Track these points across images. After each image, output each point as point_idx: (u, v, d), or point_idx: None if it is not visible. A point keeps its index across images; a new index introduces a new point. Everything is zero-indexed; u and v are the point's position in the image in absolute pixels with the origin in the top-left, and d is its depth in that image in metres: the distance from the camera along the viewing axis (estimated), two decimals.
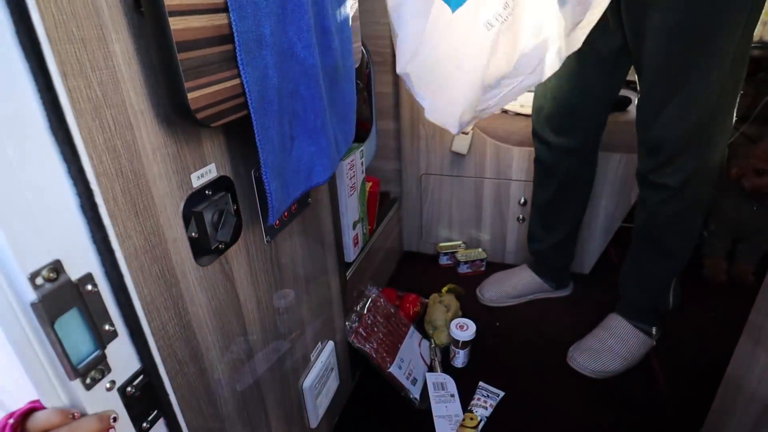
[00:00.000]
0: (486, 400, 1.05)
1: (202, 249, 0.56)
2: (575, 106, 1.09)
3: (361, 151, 1.18)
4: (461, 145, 1.40)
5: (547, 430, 1.01)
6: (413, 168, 1.52)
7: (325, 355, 0.94)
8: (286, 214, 0.74)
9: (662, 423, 1.01)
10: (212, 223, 0.57)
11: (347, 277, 1.13)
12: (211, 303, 0.59)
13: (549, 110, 1.13)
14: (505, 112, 1.43)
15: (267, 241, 0.70)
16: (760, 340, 0.82)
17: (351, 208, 1.17)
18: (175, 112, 0.46)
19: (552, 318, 1.32)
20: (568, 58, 0.92)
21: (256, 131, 0.52)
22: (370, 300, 1.14)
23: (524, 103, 1.38)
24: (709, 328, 1.26)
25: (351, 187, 1.15)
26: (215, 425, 0.63)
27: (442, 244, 1.58)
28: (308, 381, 0.88)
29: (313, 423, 0.92)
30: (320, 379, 0.92)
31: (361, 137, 1.54)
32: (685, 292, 1.35)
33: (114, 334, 0.38)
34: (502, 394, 1.08)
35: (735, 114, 0.95)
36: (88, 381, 0.36)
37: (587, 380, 1.12)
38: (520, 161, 1.40)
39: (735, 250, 1.45)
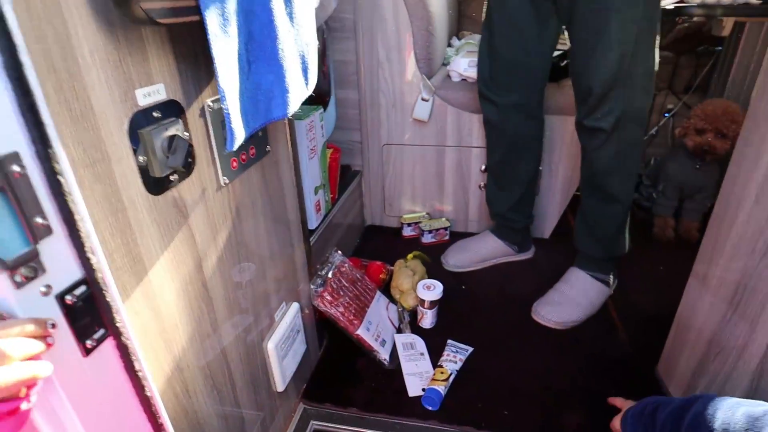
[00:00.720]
0: (455, 356, 1.04)
1: (151, 176, 0.52)
2: (516, 62, 1.13)
3: (321, 114, 1.15)
4: (422, 112, 1.39)
5: (516, 378, 1.01)
6: (375, 138, 1.50)
7: (289, 316, 0.91)
8: (243, 156, 0.71)
9: (622, 364, 1.04)
10: (162, 148, 0.53)
11: (311, 244, 1.10)
12: (164, 238, 0.55)
13: (492, 70, 1.17)
14: (464, 80, 1.44)
15: (224, 183, 0.66)
16: (705, 283, 0.86)
17: (312, 172, 1.14)
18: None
19: (516, 279, 1.34)
20: (506, 16, 1.01)
21: (209, 37, 0.48)
22: (335, 265, 1.11)
23: None
24: (660, 280, 1.32)
25: (311, 149, 1.12)
26: (175, 374, 0.58)
27: (405, 216, 1.57)
28: (273, 341, 0.84)
29: (280, 386, 0.89)
30: (286, 340, 0.88)
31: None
32: (637, 250, 1.40)
33: (48, 230, 0.34)
34: (471, 349, 1.08)
35: (657, 58, 1.00)
36: (17, 278, 0.32)
37: (551, 332, 1.14)
38: (480, 128, 1.40)
39: (681, 208, 1.51)
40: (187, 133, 0.57)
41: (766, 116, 0.70)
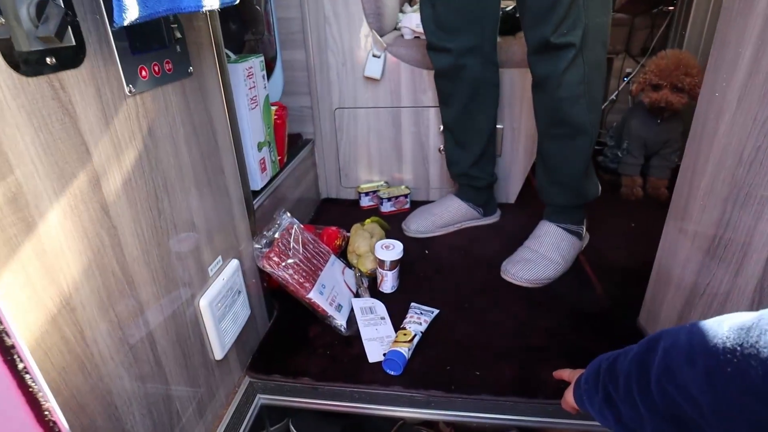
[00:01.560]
0: (420, 317, 0.95)
1: (16, 49, 0.41)
2: (464, 1, 1.06)
3: (261, 61, 1.04)
4: (374, 69, 1.31)
5: (487, 338, 0.93)
6: (325, 102, 1.41)
7: (227, 272, 0.79)
8: (156, 68, 0.59)
9: (602, 318, 0.98)
10: (30, 15, 0.41)
11: (255, 206, 0.99)
12: (40, 135, 0.43)
13: (440, 13, 1.09)
14: (417, 37, 1.36)
15: (130, 92, 0.55)
16: (684, 220, 0.81)
17: (254, 125, 1.03)
18: None
19: (482, 242, 1.27)
20: None
21: None
22: (282, 227, 1.00)
23: None
24: (632, 236, 1.27)
25: (251, 99, 1.01)
26: (63, 313, 0.46)
27: (362, 186, 1.48)
28: (206, 298, 0.73)
29: (219, 353, 0.77)
30: (223, 299, 0.77)
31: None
32: (607, 209, 1.36)
33: None
34: (436, 311, 0.99)
35: None
36: None
37: (523, 290, 1.07)
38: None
39: (648, 166, 1.49)
40: (71, 15, 0.45)
41: (741, 10, 0.65)
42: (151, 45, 0.59)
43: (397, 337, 0.89)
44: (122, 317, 0.55)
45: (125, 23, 0.45)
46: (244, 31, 1.36)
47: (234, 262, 0.82)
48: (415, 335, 0.90)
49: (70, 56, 0.46)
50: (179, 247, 0.66)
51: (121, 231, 0.54)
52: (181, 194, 0.66)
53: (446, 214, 1.30)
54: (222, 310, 0.77)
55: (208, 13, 0.72)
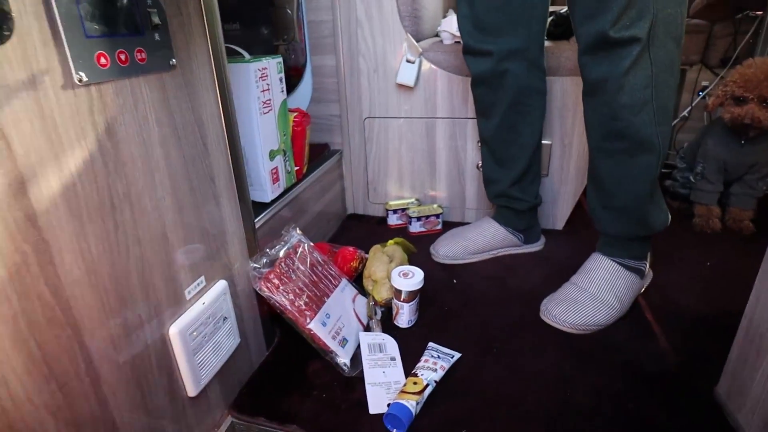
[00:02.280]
0: (436, 362, 0.81)
1: None
2: None
3: (279, 63, 0.95)
4: (407, 76, 1.19)
5: (518, 390, 0.77)
6: (355, 111, 1.30)
7: (210, 296, 0.69)
8: (123, 56, 0.51)
9: (666, 380, 0.78)
10: None
11: (256, 221, 0.90)
12: None
13: (479, 12, 0.96)
14: (458, 42, 1.24)
15: (81, 81, 0.46)
16: None
17: (266, 132, 0.93)
18: None
19: (520, 273, 1.10)
20: None
21: None
22: (289, 245, 0.89)
23: None
24: (707, 278, 1.06)
25: (264, 103, 0.92)
26: None
27: (391, 202, 1.36)
28: (178, 326, 0.63)
29: (192, 389, 0.67)
30: (201, 327, 0.66)
31: (292, 83, 1.32)
32: (675, 245, 1.16)
33: None
34: (458, 355, 0.84)
35: None
36: None
37: (567, 335, 0.90)
38: None
39: (728, 194, 1.27)
40: None
41: None
42: (116, 29, 0.50)
43: (405, 385, 0.75)
44: (49, 350, 0.45)
45: None
46: (276, 36, 1.30)
47: (221, 284, 0.72)
48: (427, 385, 0.75)
49: None
50: (143, 266, 0.56)
51: (56, 246, 0.45)
52: (152, 204, 0.57)
53: (481, 239, 1.15)
54: (199, 340, 0.66)
55: (202, 0, 0.63)
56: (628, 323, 0.92)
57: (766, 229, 1.21)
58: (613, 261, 0.96)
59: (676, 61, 0.83)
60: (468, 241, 1.15)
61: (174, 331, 0.62)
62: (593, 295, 0.92)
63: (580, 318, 0.90)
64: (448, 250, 1.15)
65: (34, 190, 0.43)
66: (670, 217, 0.96)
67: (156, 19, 0.55)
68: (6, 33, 0.39)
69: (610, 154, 0.90)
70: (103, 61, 0.49)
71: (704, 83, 1.58)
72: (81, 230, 0.48)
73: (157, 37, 0.56)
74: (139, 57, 0.53)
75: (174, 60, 0.59)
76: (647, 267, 1.00)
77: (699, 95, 1.59)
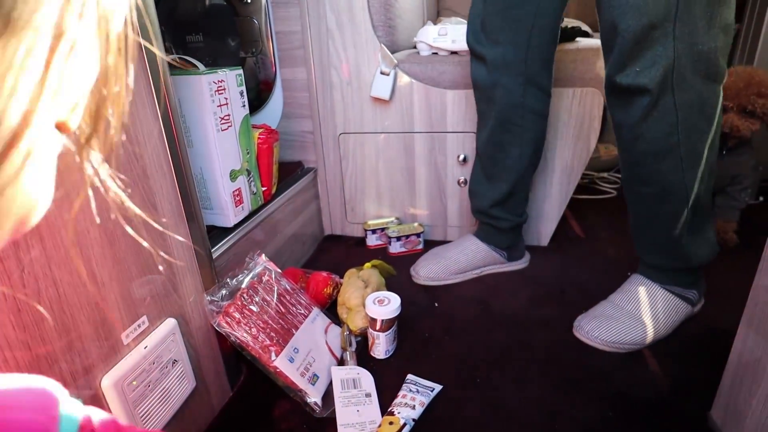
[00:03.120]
0: (415, 397, 0.73)
1: None
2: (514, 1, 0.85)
3: (238, 75, 0.89)
4: (381, 88, 1.13)
5: (503, 428, 0.69)
6: (329, 127, 1.24)
7: (154, 338, 0.61)
8: None
9: (658, 410, 0.72)
10: None
11: (212, 251, 0.82)
12: None
13: (488, 13, 0.88)
14: (435, 53, 1.18)
15: None
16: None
17: (225, 151, 0.86)
18: None
19: (504, 294, 1.03)
20: None
21: None
22: (254, 273, 0.82)
23: (456, 38, 1.14)
24: None
25: (222, 119, 0.85)
26: None
27: (369, 222, 1.28)
28: (114, 376, 0.54)
29: None
30: (143, 374, 0.58)
31: (262, 98, 1.26)
32: None
33: None
34: (438, 387, 0.77)
35: None
36: None
37: (553, 364, 0.82)
38: (455, 107, 1.14)
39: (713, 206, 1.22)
40: None
41: None
42: None
43: (380, 426, 0.68)
44: None
45: None
46: (243, 48, 1.24)
47: (169, 323, 0.64)
48: (404, 425, 0.67)
49: None
50: (62, 310, 0.49)
51: None
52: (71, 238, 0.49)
53: (462, 258, 1.08)
54: (140, 390, 0.58)
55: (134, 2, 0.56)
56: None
57: (749, 241, 1.16)
58: (654, 283, 0.89)
59: (711, 100, 0.74)
60: (449, 260, 1.08)
61: (107, 383, 0.54)
62: (630, 314, 0.86)
63: (614, 335, 0.84)
64: (429, 270, 1.08)
65: None
66: (717, 248, 0.88)
67: None
68: None
69: (639, 197, 0.85)
70: None
71: None
72: None
73: None
74: None
75: None
76: (698, 295, 0.91)
77: None
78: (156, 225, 0.61)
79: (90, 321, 0.52)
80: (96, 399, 0.53)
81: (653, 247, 0.88)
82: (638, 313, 0.86)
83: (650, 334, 0.84)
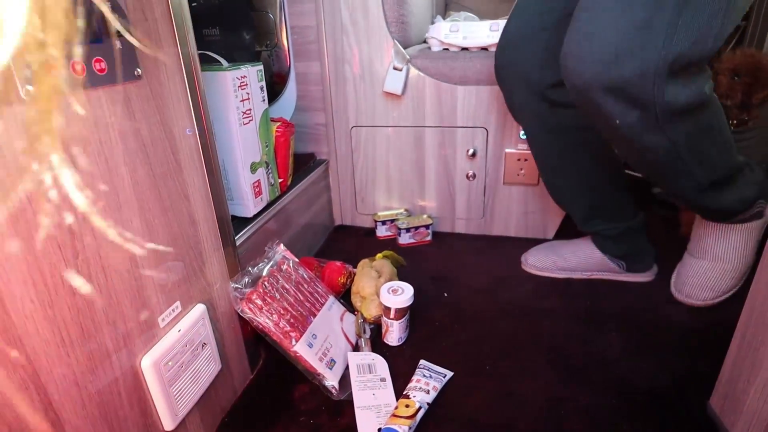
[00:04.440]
0: (428, 382, 0.77)
1: None
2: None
3: (259, 71, 0.91)
4: (394, 83, 1.16)
5: (512, 414, 0.73)
6: (341, 120, 1.27)
7: (187, 322, 0.64)
8: (79, 68, 0.46)
9: (658, 399, 0.76)
10: None
11: (236, 239, 0.85)
12: None
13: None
14: (446, 49, 1.21)
15: (27, 95, 0.42)
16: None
17: (247, 144, 0.89)
18: None
19: (511, 285, 1.07)
20: None
21: None
22: (273, 262, 0.85)
23: (467, 35, 1.16)
24: None
25: (244, 113, 0.87)
26: None
27: (379, 213, 1.32)
28: (152, 356, 0.58)
29: (169, 423, 0.62)
30: (177, 356, 0.62)
31: (276, 91, 1.28)
32: (664, 254, 1.13)
33: None
34: (450, 374, 0.80)
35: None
36: None
37: (561, 352, 0.86)
38: (465, 102, 1.16)
39: None
40: None
41: None
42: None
43: (397, 408, 0.71)
44: (1, 393, 0.41)
45: None
46: (258, 42, 1.26)
47: (199, 308, 0.67)
48: (419, 408, 0.71)
49: None
50: (110, 295, 0.52)
51: (3, 279, 0.41)
52: (119, 227, 0.52)
53: (573, 258, 1.06)
54: (175, 370, 0.62)
55: (170, 4, 0.59)
56: (620, 338, 0.89)
57: None
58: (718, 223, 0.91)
59: (712, 124, 0.74)
60: (559, 257, 1.08)
61: (147, 362, 0.57)
62: (717, 257, 0.90)
63: (711, 290, 0.89)
64: (537, 260, 1.10)
65: None
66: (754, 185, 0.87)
67: (117, 26, 0.51)
68: None
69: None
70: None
71: None
72: (34, 261, 0.43)
73: (118, 45, 0.51)
74: (98, 67, 0.49)
75: (139, 70, 0.54)
76: (766, 205, 0.90)
77: None
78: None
79: (132, 304, 0.55)
80: (136, 377, 0.57)
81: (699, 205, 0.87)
82: (723, 253, 0.88)
83: (741, 274, 0.89)
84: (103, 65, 0.49)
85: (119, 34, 0.51)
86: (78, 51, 0.45)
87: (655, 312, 0.95)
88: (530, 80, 0.89)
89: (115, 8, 0.50)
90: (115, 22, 0.50)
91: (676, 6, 0.62)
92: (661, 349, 0.85)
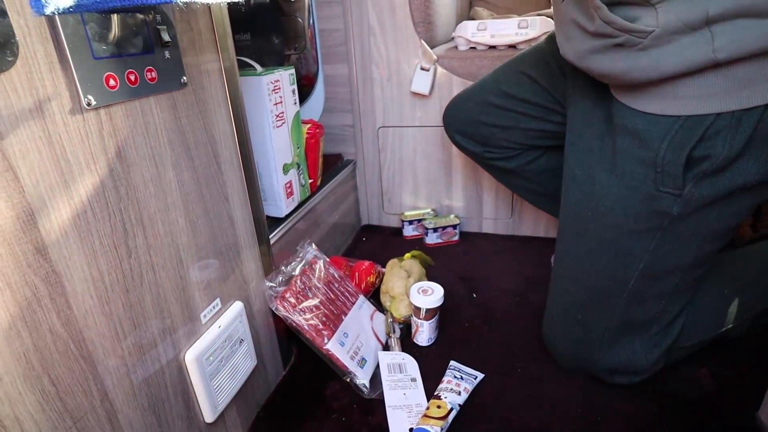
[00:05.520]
0: (460, 383, 0.78)
1: None
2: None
3: (292, 74, 0.93)
4: (421, 84, 1.17)
5: (544, 419, 0.73)
6: (368, 121, 1.28)
7: (226, 318, 0.67)
8: (132, 76, 0.49)
9: (700, 405, 0.74)
10: None
11: (271, 239, 0.88)
12: None
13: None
14: (473, 48, 1.21)
15: (90, 104, 0.44)
16: None
17: (280, 146, 0.91)
18: None
19: (540, 287, 1.07)
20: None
21: None
22: (305, 261, 0.87)
23: (495, 34, 1.16)
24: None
25: (277, 116, 0.90)
26: None
27: (406, 213, 1.33)
28: (194, 351, 0.60)
29: (209, 415, 0.64)
30: (218, 351, 0.64)
31: (304, 93, 1.30)
32: None
33: None
34: (480, 376, 0.81)
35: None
36: None
37: None
38: None
39: None
40: None
41: None
42: (125, 48, 0.48)
43: (428, 409, 0.73)
44: (63, 385, 0.43)
45: (46, 12, 0.34)
46: (287, 45, 1.28)
47: (237, 306, 0.70)
48: (451, 409, 0.72)
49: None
50: (158, 291, 0.54)
51: (67, 277, 0.43)
52: (165, 228, 0.55)
53: None
54: (215, 364, 0.64)
55: (212, 14, 0.61)
56: (651, 368, 0.87)
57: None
58: None
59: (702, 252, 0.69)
60: None
61: (190, 356, 0.60)
62: None
63: None
64: None
65: (44, 221, 0.41)
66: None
67: (166, 36, 0.53)
68: (10, 59, 0.38)
69: None
70: (112, 82, 0.47)
71: None
72: (93, 259, 0.46)
73: (167, 54, 0.54)
74: (150, 76, 0.51)
75: (185, 78, 0.57)
76: None
77: None
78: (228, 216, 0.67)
79: (178, 301, 0.58)
80: (180, 371, 0.60)
81: None
82: None
83: None
84: (154, 74, 0.52)
85: (168, 44, 0.53)
86: (132, 62, 0.48)
87: None
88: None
89: (165, 20, 0.53)
90: (164, 33, 0.52)
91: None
92: (703, 357, 0.83)
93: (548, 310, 0.83)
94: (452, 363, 0.83)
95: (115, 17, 0.47)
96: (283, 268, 0.84)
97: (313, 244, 0.91)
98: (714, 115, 0.57)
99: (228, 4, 0.61)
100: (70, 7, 0.35)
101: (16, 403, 0.39)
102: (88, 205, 0.45)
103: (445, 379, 0.79)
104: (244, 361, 0.71)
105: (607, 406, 0.75)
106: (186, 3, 0.43)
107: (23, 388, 0.40)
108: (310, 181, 1.06)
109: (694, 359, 0.82)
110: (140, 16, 0.50)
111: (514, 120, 0.92)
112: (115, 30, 0.47)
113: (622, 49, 0.59)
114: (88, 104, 0.44)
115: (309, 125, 1.04)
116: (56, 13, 0.34)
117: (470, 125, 0.99)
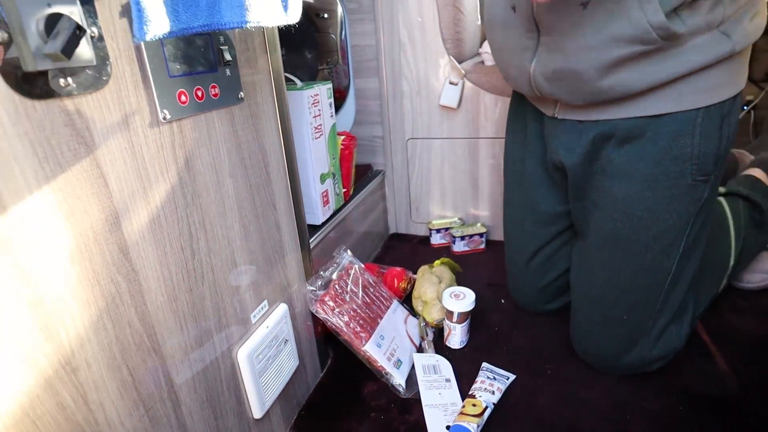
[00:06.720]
0: (493, 384, 0.80)
1: (22, 66, 0.35)
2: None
3: (329, 89, 0.98)
4: (450, 97, 1.21)
5: (577, 418, 0.75)
6: (398, 133, 1.32)
7: (273, 319, 0.71)
8: (200, 92, 0.54)
9: (727, 407, 0.75)
10: (38, 29, 0.36)
11: (310, 242, 0.91)
12: (45, 168, 0.38)
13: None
14: None
15: (165, 118, 0.49)
16: None
17: (317, 155, 0.96)
18: None
19: None
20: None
21: None
22: (341, 266, 0.91)
23: None
24: (761, 296, 1.02)
25: (316, 128, 0.94)
26: (61, 373, 0.39)
27: (434, 221, 1.36)
28: (246, 349, 0.64)
29: (258, 411, 0.68)
30: (265, 350, 0.68)
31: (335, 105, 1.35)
32: None
33: None
34: (512, 377, 0.83)
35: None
36: None
37: None
38: None
39: None
40: (93, 27, 0.40)
41: None
42: (194, 67, 0.53)
43: (464, 407, 0.75)
44: (138, 375, 0.47)
45: (147, 38, 0.38)
46: (320, 60, 1.34)
47: (282, 308, 0.74)
48: (486, 408, 0.74)
49: (90, 77, 0.41)
50: (216, 291, 0.59)
51: (143, 275, 0.48)
52: (222, 232, 0.59)
53: None
54: (263, 363, 0.68)
55: (265, 35, 0.66)
56: (684, 346, 0.88)
57: None
58: None
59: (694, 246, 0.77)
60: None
61: (242, 354, 0.64)
62: None
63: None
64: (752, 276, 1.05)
65: (126, 223, 0.45)
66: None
67: (228, 56, 0.58)
68: (104, 78, 0.42)
69: None
70: (183, 98, 0.52)
71: (749, 97, 1.52)
72: (164, 259, 0.50)
73: (228, 72, 0.59)
74: (213, 92, 0.56)
75: (242, 93, 0.61)
76: None
77: (744, 109, 1.54)
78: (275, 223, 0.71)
79: (232, 301, 0.62)
80: (233, 367, 0.63)
81: None
82: None
83: None
84: (217, 90, 0.57)
85: (229, 63, 0.58)
86: (199, 79, 0.52)
87: (720, 318, 0.94)
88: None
89: (227, 41, 0.57)
90: (226, 53, 0.57)
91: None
92: (727, 357, 0.85)
93: (580, 322, 0.86)
94: (484, 364, 0.85)
95: (187, 39, 0.52)
96: (321, 272, 0.87)
97: (349, 251, 0.94)
98: (731, 99, 0.66)
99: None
100: (164, 33, 0.40)
101: (101, 389, 0.44)
102: (161, 209, 0.50)
103: (479, 379, 0.81)
104: (288, 361, 0.75)
105: (633, 405, 0.77)
106: (254, 26, 0.47)
107: (107, 376, 0.44)
108: (344, 190, 1.10)
109: (717, 358, 0.83)
110: (208, 37, 0.55)
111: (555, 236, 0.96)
112: (187, 51, 0.52)
113: (658, 53, 0.63)
114: (164, 118, 0.49)
115: (344, 137, 1.08)
116: (153, 39, 0.38)
117: (544, 291, 1.00)
